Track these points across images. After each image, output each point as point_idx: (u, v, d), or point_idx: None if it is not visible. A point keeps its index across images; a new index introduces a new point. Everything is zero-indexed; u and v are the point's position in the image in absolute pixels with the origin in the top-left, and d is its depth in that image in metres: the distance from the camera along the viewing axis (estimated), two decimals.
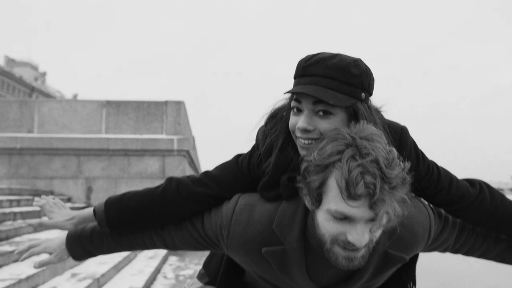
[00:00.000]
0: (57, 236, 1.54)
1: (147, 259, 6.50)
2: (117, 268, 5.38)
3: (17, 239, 5.04)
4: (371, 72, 1.30)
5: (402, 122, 1.44)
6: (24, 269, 4.01)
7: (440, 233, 1.44)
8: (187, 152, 9.77)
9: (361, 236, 1.10)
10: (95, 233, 1.49)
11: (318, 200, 1.14)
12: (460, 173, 1.53)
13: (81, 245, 1.49)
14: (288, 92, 1.28)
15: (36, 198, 1.61)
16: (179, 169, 9.12)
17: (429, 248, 1.46)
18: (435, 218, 1.41)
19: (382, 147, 1.10)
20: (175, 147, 9.25)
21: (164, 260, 7.13)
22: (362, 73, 1.26)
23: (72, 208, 7.52)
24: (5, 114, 9.38)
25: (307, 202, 1.20)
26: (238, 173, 1.44)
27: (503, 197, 1.50)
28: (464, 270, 8.82)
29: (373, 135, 1.13)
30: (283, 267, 1.30)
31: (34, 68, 68.35)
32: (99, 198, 9.17)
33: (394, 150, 1.13)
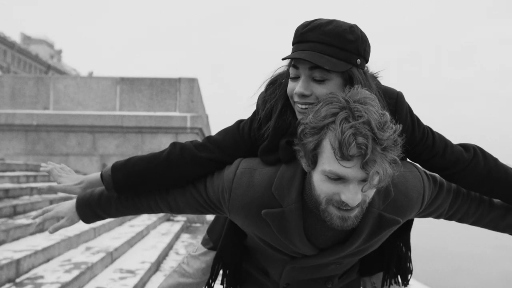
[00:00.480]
0: (68, 202, 1.60)
1: (160, 236, 6.62)
2: (130, 243, 5.48)
3: (33, 213, 5.15)
4: (367, 39, 1.32)
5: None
6: (41, 241, 4.12)
7: (435, 199, 1.46)
8: (200, 129, 9.82)
9: (354, 195, 1.13)
10: (103, 196, 1.54)
11: (313, 161, 1.18)
12: None
13: (90, 208, 1.54)
14: (286, 58, 1.31)
15: (43, 164, 1.64)
16: None
17: (423, 214, 1.48)
18: (430, 183, 1.43)
19: (375, 110, 1.13)
20: (188, 124, 9.30)
21: (177, 237, 7.24)
22: (358, 39, 1.28)
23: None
24: (22, 90, 9.49)
25: (304, 164, 1.24)
26: (240, 138, 1.48)
27: (496, 161, 1.52)
28: (478, 254, 8.81)
29: (366, 99, 1.16)
30: (282, 229, 1.34)
31: (50, 45, 68.65)
32: None
33: (387, 113, 1.16)
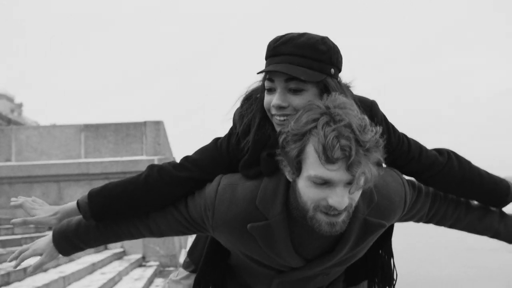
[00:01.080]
0: (44, 238, 1.54)
1: (133, 281, 6.43)
2: None
3: (10, 256, 4.95)
4: (339, 49, 1.37)
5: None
6: None
7: (415, 203, 1.49)
8: None
9: (341, 198, 1.14)
10: (80, 227, 1.49)
11: (298, 168, 1.18)
12: None
13: (68, 240, 1.50)
14: (260, 72, 1.33)
15: (13, 199, 1.58)
16: None
17: (405, 218, 1.51)
18: (410, 187, 1.47)
19: (354, 114, 1.16)
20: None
21: (150, 281, 7.06)
22: (330, 49, 1.32)
23: None
24: None
25: (287, 173, 1.24)
26: (218, 156, 1.47)
27: (470, 163, 1.57)
28: (455, 275, 8.93)
29: (345, 104, 1.19)
30: (269, 242, 1.33)
31: (10, 99, 67.48)
32: None
33: (366, 117, 1.19)
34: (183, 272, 1.89)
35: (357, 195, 1.21)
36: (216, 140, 1.52)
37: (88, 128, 9.43)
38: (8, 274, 4.49)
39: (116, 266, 7.06)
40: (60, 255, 1.54)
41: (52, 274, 5.16)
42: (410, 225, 1.74)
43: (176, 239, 10.13)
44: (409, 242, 15.36)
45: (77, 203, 1.51)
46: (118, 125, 9.51)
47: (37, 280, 4.69)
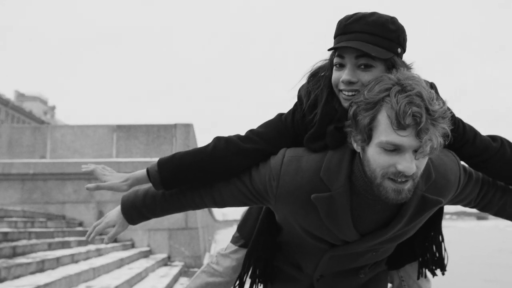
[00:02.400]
0: (114, 210, 1.62)
1: (159, 277, 6.57)
2: (130, 283, 5.45)
3: (32, 255, 5.15)
4: (405, 30, 1.42)
5: None
6: (42, 278, 4.12)
7: (465, 186, 1.53)
8: None
9: (410, 163, 1.20)
10: (147, 196, 1.56)
11: (369, 135, 1.24)
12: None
13: (136, 209, 1.56)
14: (332, 48, 1.39)
15: (84, 165, 1.66)
16: None
17: (455, 200, 1.55)
18: (463, 170, 1.51)
19: (424, 86, 1.23)
20: None
21: (175, 280, 7.18)
22: (398, 29, 1.38)
23: (84, 232, 7.62)
24: (19, 140, 9.60)
25: (357, 143, 1.29)
26: (283, 129, 1.52)
27: None
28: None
29: (414, 77, 1.26)
30: (330, 213, 1.38)
31: (44, 102, 69.30)
32: None
33: (433, 90, 1.25)
34: (231, 247, 1.96)
35: (423, 163, 1.25)
36: (281, 115, 1.57)
37: (120, 128, 9.68)
38: (42, 261, 4.67)
39: (143, 263, 7.21)
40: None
41: (83, 265, 5.33)
42: None
43: (202, 241, 10.26)
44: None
45: (147, 170, 1.56)
46: (149, 126, 9.74)
47: (69, 269, 4.86)
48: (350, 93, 1.37)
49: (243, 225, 1.90)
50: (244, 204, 1.55)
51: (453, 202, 1.56)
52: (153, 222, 9.51)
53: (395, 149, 1.20)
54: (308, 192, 1.37)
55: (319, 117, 1.43)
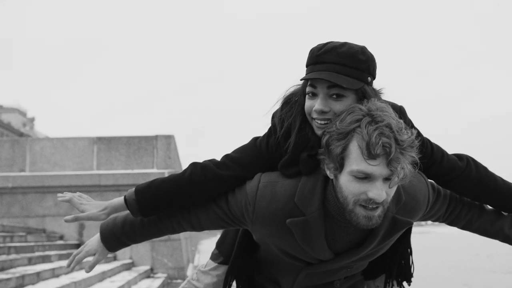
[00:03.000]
0: (93, 237, 1.64)
1: None
2: None
3: (12, 270, 5.08)
4: (375, 59, 1.48)
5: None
6: None
7: (434, 203, 1.61)
8: None
9: (380, 191, 1.26)
10: (126, 224, 1.59)
11: (341, 164, 1.30)
12: None
13: (115, 237, 1.59)
14: (305, 78, 1.44)
15: (59, 194, 1.68)
16: None
17: (425, 217, 1.63)
18: (431, 188, 1.58)
19: (392, 116, 1.30)
20: None
21: None
22: (368, 59, 1.44)
23: (65, 245, 7.52)
24: None
25: (330, 170, 1.35)
26: (258, 154, 1.57)
27: (486, 169, 1.68)
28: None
29: (383, 107, 1.32)
30: (305, 236, 1.44)
31: (22, 113, 68.36)
32: (92, 234, 9.14)
33: (401, 120, 1.32)
34: (211, 264, 2.00)
35: (392, 191, 1.32)
36: (255, 139, 1.62)
37: (101, 140, 9.63)
38: (22, 277, 4.62)
39: (126, 276, 7.16)
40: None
41: (64, 280, 5.28)
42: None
43: (184, 252, 10.22)
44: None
45: (125, 199, 1.59)
46: (130, 138, 9.70)
47: (50, 284, 4.82)
48: (323, 122, 1.42)
49: (222, 243, 1.95)
50: (222, 227, 1.59)
51: (423, 219, 1.63)
52: None
53: (366, 177, 1.26)
54: (283, 217, 1.42)
55: (293, 145, 1.48)
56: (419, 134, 1.60)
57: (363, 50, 1.44)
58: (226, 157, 1.59)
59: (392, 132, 1.24)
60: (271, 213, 1.43)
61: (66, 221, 1.62)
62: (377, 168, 1.24)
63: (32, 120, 71.66)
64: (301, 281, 1.62)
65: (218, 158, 1.61)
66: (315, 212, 1.41)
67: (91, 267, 1.59)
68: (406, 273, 1.81)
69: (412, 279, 1.85)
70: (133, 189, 1.59)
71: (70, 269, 1.60)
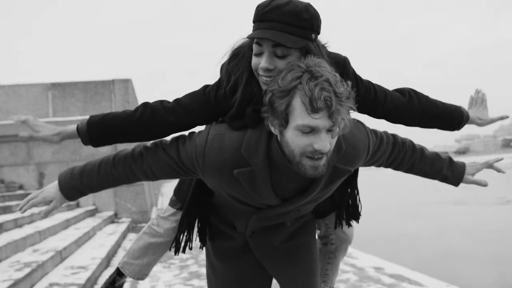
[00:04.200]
0: (51, 185, 1.66)
1: (107, 235, 6.61)
2: (78, 243, 5.47)
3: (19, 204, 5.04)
4: (319, 15, 1.51)
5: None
6: None
7: (377, 150, 1.69)
8: None
9: (325, 142, 1.33)
10: (83, 175, 1.63)
11: (286, 120, 1.35)
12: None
13: (74, 187, 1.63)
14: (250, 37, 1.48)
15: (14, 116, 1.68)
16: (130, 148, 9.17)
17: (368, 163, 1.72)
18: (373, 136, 1.66)
19: (329, 71, 1.35)
20: None
21: (124, 236, 7.25)
22: (312, 17, 1.47)
23: (25, 195, 7.44)
24: None
25: (274, 127, 1.40)
26: (206, 102, 1.62)
27: (428, 98, 1.82)
28: (422, 234, 9.48)
29: (320, 63, 1.37)
30: (252, 185, 1.52)
31: None
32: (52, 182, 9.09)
33: (337, 73, 1.38)
34: (170, 210, 2.11)
35: (334, 141, 1.40)
36: (205, 87, 1.66)
37: (55, 86, 9.34)
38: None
39: (90, 222, 7.21)
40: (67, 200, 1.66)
41: (28, 229, 5.28)
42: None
43: (148, 196, 10.30)
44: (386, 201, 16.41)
45: (77, 129, 1.64)
46: (86, 83, 9.46)
47: (13, 235, 4.81)
48: (268, 79, 1.47)
49: (179, 189, 2.03)
50: (175, 176, 1.64)
51: (366, 165, 1.72)
52: None
53: (310, 131, 1.33)
54: (231, 167, 1.49)
55: (239, 100, 1.54)
56: (361, 80, 1.69)
57: (307, 8, 1.46)
58: (177, 102, 1.64)
59: (331, 86, 1.30)
60: (220, 164, 1.49)
61: (21, 136, 1.65)
62: (321, 121, 1.30)
63: None
64: (253, 223, 1.72)
65: (171, 99, 1.68)
66: (260, 162, 1.48)
67: (47, 213, 1.62)
68: (354, 212, 1.94)
69: (361, 217, 1.98)
70: (86, 120, 1.64)
71: (21, 211, 1.62)
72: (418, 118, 1.79)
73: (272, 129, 1.41)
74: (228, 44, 1.61)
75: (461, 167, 1.85)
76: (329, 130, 1.33)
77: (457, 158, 1.98)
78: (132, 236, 7.53)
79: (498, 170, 1.91)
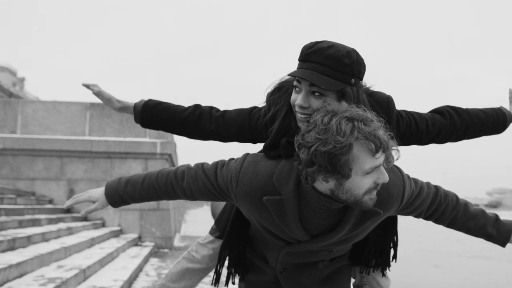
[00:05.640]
0: (98, 189, 1.77)
1: (130, 258, 6.60)
2: (101, 263, 5.47)
3: (3, 232, 5.11)
4: (362, 61, 1.56)
5: None
6: (13, 257, 4.11)
7: (415, 198, 1.65)
8: (170, 155, 9.89)
9: (385, 174, 1.39)
10: (129, 184, 1.73)
11: (349, 170, 1.34)
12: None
13: (118, 194, 1.73)
14: (290, 75, 1.54)
15: (88, 82, 1.89)
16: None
17: (404, 211, 1.69)
18: (410, 183, 1.63)
19: (360, 109, 1.39)
20: (158, 150, 9.38)
21: (146, 260, 7.23)
22: (353, 62, 1.51)
23: (54, 210, 7.52)
24: None
25: (331, 181, 1.38)
26: (248, 123, 1.75)
27: (467, 112, 1.87)
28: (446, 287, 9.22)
29: (345, 106, 1.40)
30: (280, 214, 1.54)
31: (13, 73, 67.32)
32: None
33: (363, 107, 1.43)
34: (209, 237, 2.16)
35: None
36: (253, 108, 1.79)
37: (94, 106, 9.56)
38: (13, 240, 4.65)
39: (114, 243, 7.23)
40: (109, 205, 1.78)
41: (54, 244, 5.32)
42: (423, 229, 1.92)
43: (172, 222, 10.30)
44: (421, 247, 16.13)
45: (134, 106, 1.86)
46: None
47: (40, 248, 4.85)
48: (303, 116, 1.53)
49: (220, 219, 2.09)
50: (211, 199, 1.70)
51: (402, 213, 1.70)
52: None
53: (374, 168, 1.37)
54: (262, 194, 1.54)
55: (275, 130, 1.62)
56: (401, 116, 1.75)
57: (349, 54, 1.50)
58: (223, 114, 1.80)
59: (375, 124, 1.35)
60: (252, 189, 1.54)
61: (91, 89, 1.87)
62: (382, 157, 1.36)
63: (22, 80, 70.71)
64: (283, 258, 1.72)
65: (222, 108, 1.85)
66: (290, 193, 1.50)
67: (88, 212, 1.72)
68: (385, 260, 1.92)
69: (390, 266, 1.95)
70: (143, 102, 1.85)
71: (65, 205, 1.73)
72: (462, 133, 1.86)
73: (323, 185, 1.41)
74: (272, 79, 1.71)
75: (509, 225, 1.75)
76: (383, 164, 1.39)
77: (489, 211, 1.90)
78: (154, 261, 7.50)
79: None
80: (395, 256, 1.98)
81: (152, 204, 9.37)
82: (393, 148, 1.41)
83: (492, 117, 1.89)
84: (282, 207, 1.52)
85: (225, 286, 1.94)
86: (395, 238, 1.93)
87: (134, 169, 9.32)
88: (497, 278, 10.35)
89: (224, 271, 1.98)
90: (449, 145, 1.91)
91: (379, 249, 1.92)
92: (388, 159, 1.41)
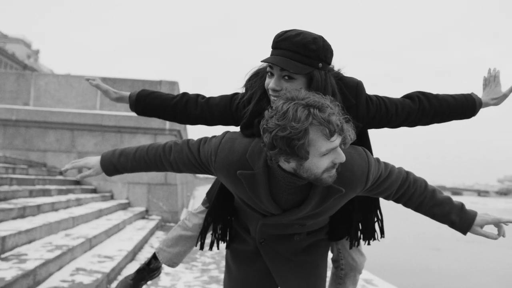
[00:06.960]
0: (94, 157, 1.93)
1: (136, 230, 6.80)
2: (108, 233, 5.67)
3: (14, 200, 5.30)
4: (329, 47, 1.70)
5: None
6: (23, 224, 4.29)
7: (384, 181, 1.76)
8: (179, 131, 10.04)
9: (342, 155, 1.51)
10: (122, 155, 1.90)
11: (307, 153, 1.46)
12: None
13: (112, 163, 1.90)
14: (263, 61, 1.69)
15: (88, 77, 2.09)
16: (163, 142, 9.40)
17: (373, 193, 1.79)
18: (379, 166, 1.74)
19: (317, 96, 1.49)
20: (167, 126, 9.52)
21: (151, 233, 7.43)
22: (319, 48, 1.65)
23: (64, 181, 7.70)
24: (2, 86, 9.57)
25: (291, 162, 1.51)
26: (228, 109, 1.91)
27: (437, 97, 1.96)
28: (445, 269, 9.31)
29: (303, 93, 1.50)
30: (252, 187, 1.68)
31: (27, 45, 67.68)
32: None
33: (320, 94, 1.53)
34: (200, 208, 2.34)
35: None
36: (234, 94, 1.93)
37: (105, 81, 9.67)
38: (24, 208, 4.84)
39: (121, 215, 7.43)
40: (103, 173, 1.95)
41: (63, 214, 5.52)
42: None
43: (180, 197, 10.50)
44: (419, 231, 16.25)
45: (129, 96, 2.05)
46: (134, 81, 9.77)
47: (49, 217, 5.04)
48: (275, 98, 1.66)
49: (210, 191, 2.25)
50: (194, 171, 1.87)
51: (371, 194, 1.80)
52: (132, 175, 9.67)
53: (330, 151, 1.49)
54: (236, 168, 1.68)
55: (250, 111, 1.76)
56: (371, 99, 1.85)
57: (315, 40, 1.64)
58: (207, 100, 1.97)
59: (331, 109, 1.46)
60: (228, 163, 1.69)
61: (90, 82, 2.07)
62: (337, 140, 1.47)
63: (36, 52, 71.07)
64: (261, 229, 1.88)
65: (207, 95, 2.01)
66: (260, 168, 1.64)
67: (82, 176, 1.87)
68: (370, 235, 2.08)
69: (383, 239, 2.08)
70: (137, 92, 2.03)
71: (63, 169, 1.88)
72: (431, 118, 1.96)
73: (287, 165, 1.53)
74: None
75: (472, 215, 1.80)
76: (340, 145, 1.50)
77: (498, 200, 1.96)
78: (159, 234, 7.70)
79: (503, 234, 1.81)
80: (382, 232, 2.11)
81: (160, 178, 9.56)
82: (349, 130, 1.51)
83: (461, 102, 1.99)
84: (254, 181, 1.66)
85: (209, 249, 2.11)
86: (378, 213, 2.05)
87: (143, 144, 9.47)
88: (493, 261, 10.78)
89: (209, 238, 2.15)
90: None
91: (364, 225, 2.07)
92: (345, 141, 1.52)
